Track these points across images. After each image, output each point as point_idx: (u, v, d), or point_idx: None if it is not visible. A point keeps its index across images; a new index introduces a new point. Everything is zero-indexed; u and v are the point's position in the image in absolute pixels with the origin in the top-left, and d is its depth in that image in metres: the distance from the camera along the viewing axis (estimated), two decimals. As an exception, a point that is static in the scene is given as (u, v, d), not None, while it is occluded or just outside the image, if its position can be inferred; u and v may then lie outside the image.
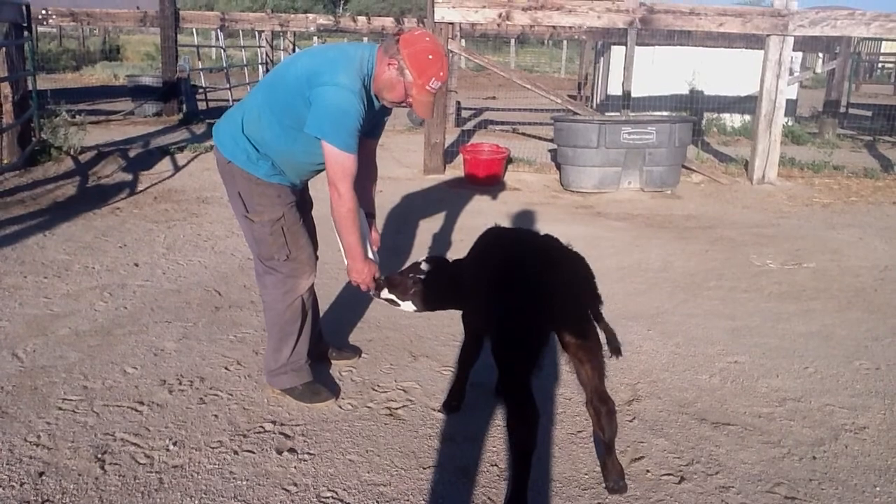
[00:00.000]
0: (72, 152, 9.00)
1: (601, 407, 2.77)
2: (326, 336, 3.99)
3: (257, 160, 3.17)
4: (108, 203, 7.34)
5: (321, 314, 4.06)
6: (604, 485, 2.90)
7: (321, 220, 3.62)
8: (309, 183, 3.53)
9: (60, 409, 3.36)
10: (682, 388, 3.77)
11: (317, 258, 3.52)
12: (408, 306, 3.37)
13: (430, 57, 2.99)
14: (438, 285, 3.32)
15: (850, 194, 9.07)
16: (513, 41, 30.99)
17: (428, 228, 6.81)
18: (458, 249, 5.81)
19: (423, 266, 3.35)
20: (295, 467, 2.99)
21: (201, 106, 14.74)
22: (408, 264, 3.47)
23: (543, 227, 6.89)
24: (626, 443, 3.22)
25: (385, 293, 3.35)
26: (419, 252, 5.99)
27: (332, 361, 3.91)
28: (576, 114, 9.62)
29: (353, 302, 4.78)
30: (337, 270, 5.21)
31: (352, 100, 2.95)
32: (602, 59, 17.23)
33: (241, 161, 3.17)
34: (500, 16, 9.07)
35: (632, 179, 8.81)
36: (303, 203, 3.48)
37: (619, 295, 5.11)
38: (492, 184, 8.94)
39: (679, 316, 4.79)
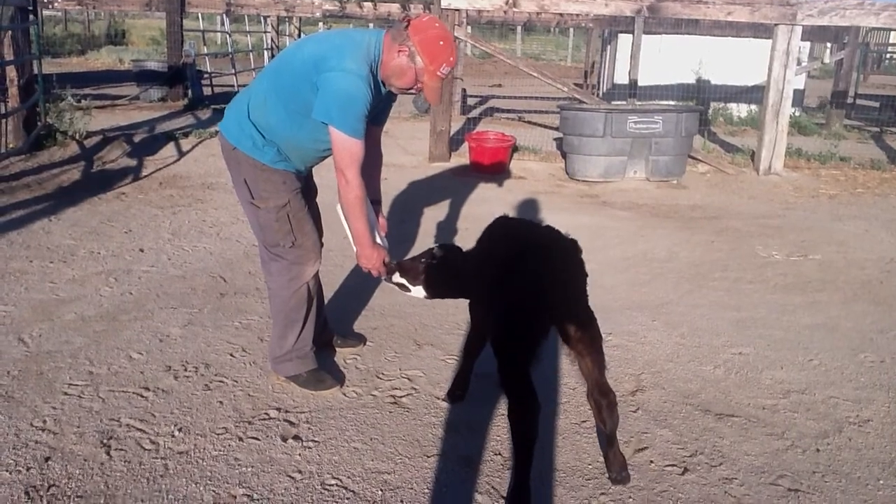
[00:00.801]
0: (77, 137, 8.99)
1: (602, 399, 2.78)
2: (331, 324, 3.99)
3: (263, 146, 3.16)
4: (113, 188, 7.35)
5: (326, 302, 4.06)
6: (607, 475, 2.91)
7: (325, 207, 3.62)
8: (314, 170, 3.52)
9: (66, 394, 3.37)
10: (687, 380, 3.77)
11: (322, 245, 3.52)
12: (418, 292, 3.38)
13: (441, 43, 2.99)
14: (449, 272, 3.32)
15: (856, 186, 9.04)
16: (519, 28, 30.84)
17: (433, 216, 6.81)
18: (464, 238, 5.80)
19: (436, 252, 3.37)
20: (300, 454, 3.00)
21: (206, 91, 14.70)
22: (416, 251, 3.47)
23: (548, 216, 6.88)
24: (629, 433, 3.23)
25: (396, 277, 3.36)
26: (424, 240, 5.99)
27: (337, 349, 3.92)
28: (582, 102, 9.58)
29: (357, 290, 4.78)
30: (342, 258, 5.22)
31: (359, 85, 2.94)
32: (609, 47, 17.14)
33: (246, 147, 3.16)
34: (506, 3, 9.03)
35: (637, 169, 8.78)
36: (308, 190, 3.47)
37: (623, 285, 5.10)
38: (497, 172, 8.92)
39: (684, 307, 4.79)
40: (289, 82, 3.09)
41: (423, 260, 3.36)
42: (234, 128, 3.21)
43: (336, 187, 3.07)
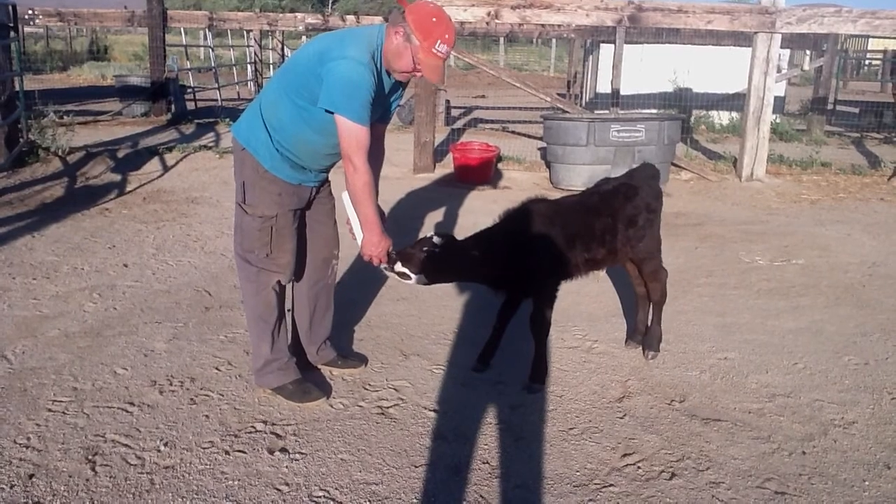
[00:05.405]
0: (60, 153, 8.94)
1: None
2: (337, 345, 3.92)
3: (270, 148, 3.19)
4: (96, 204, 7.31)
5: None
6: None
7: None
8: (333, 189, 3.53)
9: (50, 410, 3.34)
10: (673, 385, 3.79)
11: (335, 256, 3.63)
12: (420, 279, 3.44)
13: (434, 19, 3.02)
14: (452, 258, 3.43)
15: (837, 191, 9.13)
16: (502, 40, 31.03)
17: (418, 227, 6.81)
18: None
19: (436, 240, 3.43)
20: (287, 467, 2.99)
21: (190, 106, 14.66)
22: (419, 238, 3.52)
23: (534, 225, 6.88)
24: (616, 439, 3.24)
25: (398, 266, 3.38)
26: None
27: (335, 370, 3.85)
28: (565, 112, 9.63)
29: (344, 302, 4.76)
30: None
31: (362, 71, 2.97)
32: (591, 57, 17.26)
33: (253, 147, 3.21)
34: (488, 14, 9.08)
35: (621, 177, 8.81)
36: (303, 214, 3.46)
37: (608, 292, 5.11)
38: (482, 182, 8.94)
39: (669, 313, 4.77)
40: (296, 77, 3.14)
41: (424, 248, 3.40)
42: (245, 129, 3.27)
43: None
